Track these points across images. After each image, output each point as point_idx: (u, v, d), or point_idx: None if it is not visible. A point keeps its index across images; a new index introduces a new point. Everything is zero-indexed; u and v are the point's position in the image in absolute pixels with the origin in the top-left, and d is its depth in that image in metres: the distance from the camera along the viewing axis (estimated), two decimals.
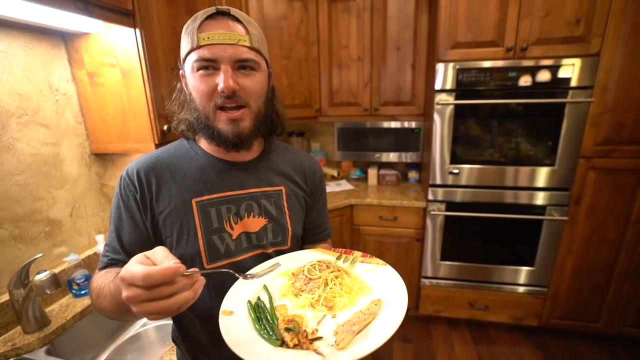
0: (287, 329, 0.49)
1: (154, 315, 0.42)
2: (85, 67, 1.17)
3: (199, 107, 0.63)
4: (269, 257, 0.72)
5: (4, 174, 0.98)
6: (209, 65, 0.60)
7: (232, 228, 0.69)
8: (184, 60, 0.63)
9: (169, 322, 1.18)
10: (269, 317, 0.53)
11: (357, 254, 0.71)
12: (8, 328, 0.96)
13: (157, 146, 1.17)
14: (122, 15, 1.02)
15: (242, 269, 0.68)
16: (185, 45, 0.62)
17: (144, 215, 0.66)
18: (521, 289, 1.94)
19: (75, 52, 1.16)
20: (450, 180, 1.85)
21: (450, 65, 1.68)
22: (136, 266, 0.41)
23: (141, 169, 0.66)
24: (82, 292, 1.12)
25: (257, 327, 0.51)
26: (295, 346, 0.47)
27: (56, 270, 1.08)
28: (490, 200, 1.83)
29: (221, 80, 0.59)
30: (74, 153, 1.22)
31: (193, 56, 0.60)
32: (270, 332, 0.50)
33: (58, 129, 1.15)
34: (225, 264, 0.68)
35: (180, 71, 0.67)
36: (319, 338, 0.49)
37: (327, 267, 0.64)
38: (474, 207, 1.85)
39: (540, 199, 1.78)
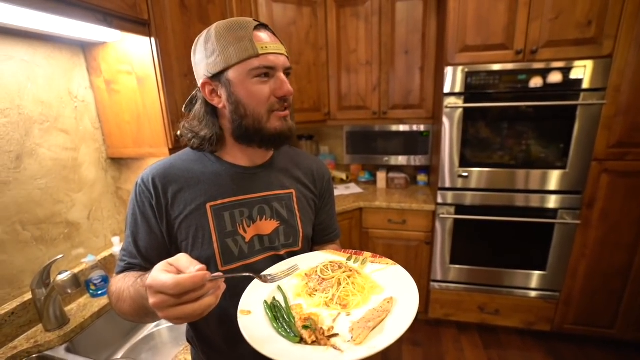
0: (305, 327, 0.51)
1: (179, 320, 0.44)
2: (102, 75, 1.21)
3: (249, 113, 0.65)
4: (281, 258, 0.74)
5: (27, 178, 1.03)
6: (267, 73, 0.63)
7: (245, 231, 0.70)
8: (228, 69, 0.62)
9: None
10: (285, 316, 0.55)
11: (367, 254, 0.72)
12: (30, 326, 1.00)
13: (171, 151, 1.21)
14: (139, 24, 1.06)
15: (255, 270, 0.69)
16: (236, 54, 0.61)
17: (159, 221, 0.67)
18: (533, 294, 1.91)
19: (93, 60, 1.20)
20: (459, 183, 1.85)
21: (459, 68, 1.68)
22: (164, 275, 0.43)
23: (156, 176, 0.68)
24: (99, 292, 1.16)
25: (275, 325, 0.53)
26: (313, 343, 0.49)
27: (75, 271, 1.12)
28: (500, 204, 1.82)
29: (283, 86, 0.64)
30: (91, 158, 1.26)
31: (252, 63, 0.62)
32: (288, 330, 0.52)
33: (77, 134, 1.20)
34: (239, 266, 0.70)
35: (212, 85, 0.65)
36: (336, 335, 0.51)
37: (339, 267, 0.66)
38: (484, 210, 1.84)
39: (551, 202, 1.75)
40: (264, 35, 0.63)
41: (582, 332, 1.90)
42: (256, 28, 0.63)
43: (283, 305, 0.59)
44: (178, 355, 0.88)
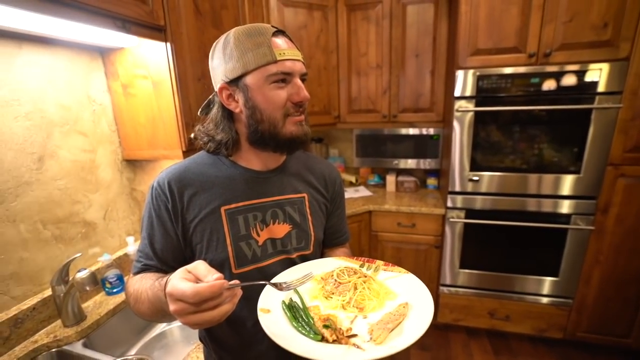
0: (326, 326, 0.53)
1: (198, 326, 0.46)
2: (119, 79, 1.25)
3: (265, 118, 0.66)
4: (293, 262, 0.75)
5: (48, 179, 1.07)
6: (284, 78, 0.65)
7: (258, 234, 0.71)
8: (246, 74, 0.63)
9: None
10: (303, 316, 0.57)
11: (380, 262, 0.74)
12: (50, 321, 1.04)
13: (185, 153, 1.23)
14: (155, 30, 1.09)
15: (267, 274, 0.71)
16: (254, 60, 0.62)
17: (175, 224, 0.69)
18: (544, 300, 1.88)
19: (111, 65, 1.24)
20: (470, 187, 1.83)
21: (470, 72, 1.67)
22: (183, 283, 0.45)
23: (172, 179, 0.69)
24: (114, 290, 1.19)
25: (295, 324, 0.55)
26: (334, 341, 0.51)
27: (92, 269, 1.15)
28: (511, 208, 1.80)
29: (300, 91, 0.65)
30: (107, 159, 1.30)
31: (270, 69, 0.63)
32: (308, 328, 0.54)
33: (94, 136, 1.24)
34: (252, 269, 0.71)
35: (229, 89, 0.66)
36: (354, 335, 0.53)
37: (355, 272, 0.68)
38: (495, 214, 1.82)
39: (564, 207, 1.73)
40: (281, 42, 0.64)
41: (596, 340, 1.86)
42: (274, 34, 0.64)
43: (301, 306, 0.60)
44: (190, 353, 0.90)
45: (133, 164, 1.41)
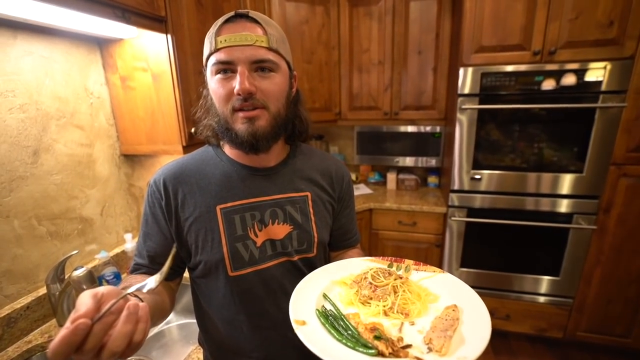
0: (377, 337, 0.46)
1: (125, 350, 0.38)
2: (118, 72, 1.21)
3: (218, 111, 0.63)
4: (294, 264, 0.70)
5: (44, 173, 1.03)
6: (227, 69, 0.59)
7: (256, 235, 0.67)
8: (205, 66, 0.63)
9: (192, 321, 1.21)
10: (343, 326, 0.51)
11: (409, 262, 0.68)
12: (45, 320, 1.01)
13: (185, 148, 1.20)
14: (156, 21, 1.06)
15: (267, 276, 0.67)
16: (205, 50, 0.62)
17: (169, 223, 0.66)
18: (545, 299, 1.88)
19: (109, 57, 1.21)
20: (471, 185, 1.82)
21: (474, 69, 1.65)
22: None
23: (167, 178, 0.67)
24: None
25: (338, 336, 0.48)
26: (390, 355, 0.45)
27: (89, 267, 1.12)
28: (513, 207, 1.79)
29: (237, 83, 0.57)
30: (105, 154, 1.26)
31: (212, 60, 0.60)
32: (354, 340, 0.47)
33: (92, 130, 1.20)
34: (250, 272, 0.67)
35: (205, 78, 0.66)
36: (409, 345, 0.47)
37: (390, 274, 0.62)
38: (497, 213, 1.81)
39: (566, 206, 1.72)
40: (230, 27, 0.59)
41: (596, 340, 1.86)
42: (229, 20, 0.59)
43: (337, 314, 0.54)
44: (191, 354, 0.88)
45: (131, 159, 1.38)
